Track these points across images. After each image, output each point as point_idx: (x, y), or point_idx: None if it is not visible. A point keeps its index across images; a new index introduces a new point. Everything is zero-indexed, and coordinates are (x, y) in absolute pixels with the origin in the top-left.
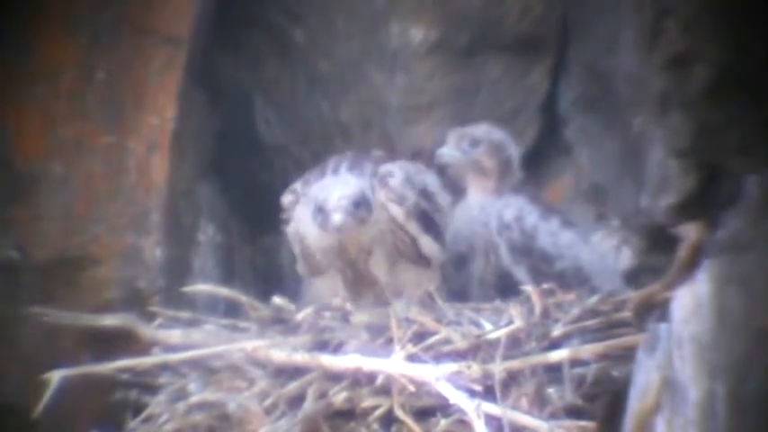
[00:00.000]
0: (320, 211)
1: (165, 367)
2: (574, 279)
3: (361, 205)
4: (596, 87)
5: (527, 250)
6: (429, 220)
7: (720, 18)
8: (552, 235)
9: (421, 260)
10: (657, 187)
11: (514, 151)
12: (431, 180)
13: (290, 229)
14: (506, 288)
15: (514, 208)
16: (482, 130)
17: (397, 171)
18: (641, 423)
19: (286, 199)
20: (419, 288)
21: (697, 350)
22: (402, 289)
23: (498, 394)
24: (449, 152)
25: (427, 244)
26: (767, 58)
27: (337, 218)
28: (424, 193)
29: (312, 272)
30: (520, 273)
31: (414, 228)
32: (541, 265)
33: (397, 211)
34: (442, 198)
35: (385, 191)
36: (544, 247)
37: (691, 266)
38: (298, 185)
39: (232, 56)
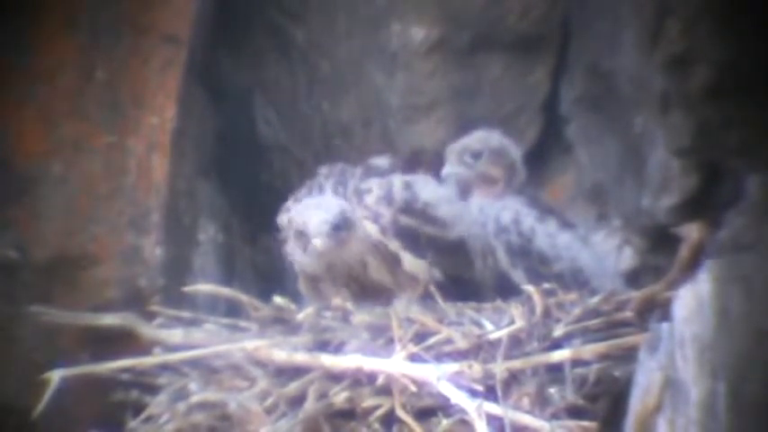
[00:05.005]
0: (301, 236)
1: (165, 367)
2: (572, 280)
3: (341, 228)
4: (597, 87)
5: (524, 252)
6: (414, 237)
7: (720, 18)
8: (550, 237)
9: (407, 276)
10: (659, 187)
11: (516, 152)
12: (427, 191)
13: (287, 249)
14: (504, 290)
15: (511, 210)
16: (479, 138)
17: (375, 188)
18: (643, 423)
19: (282, 219)
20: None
21: (698, 350)
22: (404, 287)
23: (500, 394)
24: (453, 170)
25: (410, 261)
26: (767, 58)
27: (318, 243)
28: (408, 209)
29: (314, 291)
30: (517, 275)
31: (394, 245)
32: (539, 266)
33: (372, 229)
34: (444, 209)
35: (360, 208)
36: (542, 248)
37: (692, 266)
38: (290, 203)
39: (232, 56)
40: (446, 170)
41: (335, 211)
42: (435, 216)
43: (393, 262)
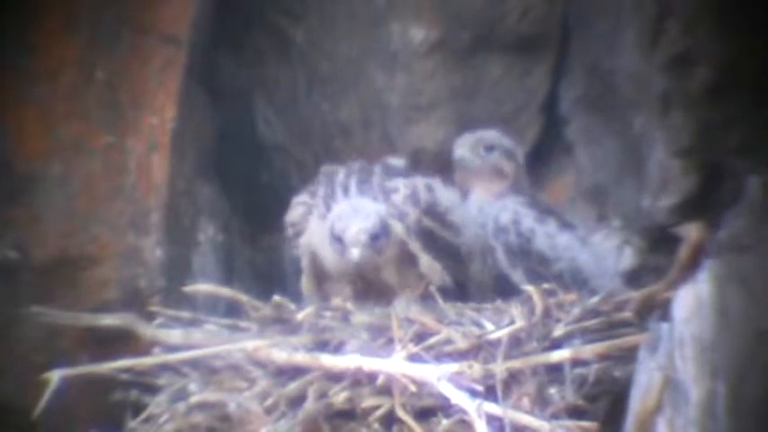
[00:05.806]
0: (338, 241)
1: (165, 367)
2: (572, 281)
3: (379, 236)
4: (597, 87)
5: (524, 253)
6: (432, 239)
7: (721, 18)
8: (549, 237)
9: (415, 277)
10: (658, 187)
11: (521, 157)
12: (444, 196)
13: (302, 242)
14: (504, 290)
15: (511, 211)
16: (493, 135)
17: (401, 187)
18: (642, 423)
19: (296, 212)
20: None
21: (698, 350)
22: (407, 288)
23: (500, 394)
24: (469, 157)
25: (426, 263)
26: (767, 58)
27: (356, 253)
28: (431, 211)
29: (317, 289)
30: (517, 275)
31: (414, 245)
32: (539, 267)
33: (397, 227)
34: (457, 214)
35: (386, 206)
36: (541, 249)
37: (691, 266)
38: (306, 197)
39: (232, 56)
40: (462, 155)
41: (374, 220)
42: (452, 221)
43: (407, 262)
